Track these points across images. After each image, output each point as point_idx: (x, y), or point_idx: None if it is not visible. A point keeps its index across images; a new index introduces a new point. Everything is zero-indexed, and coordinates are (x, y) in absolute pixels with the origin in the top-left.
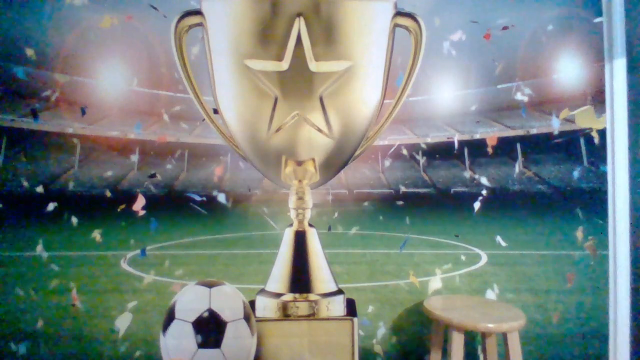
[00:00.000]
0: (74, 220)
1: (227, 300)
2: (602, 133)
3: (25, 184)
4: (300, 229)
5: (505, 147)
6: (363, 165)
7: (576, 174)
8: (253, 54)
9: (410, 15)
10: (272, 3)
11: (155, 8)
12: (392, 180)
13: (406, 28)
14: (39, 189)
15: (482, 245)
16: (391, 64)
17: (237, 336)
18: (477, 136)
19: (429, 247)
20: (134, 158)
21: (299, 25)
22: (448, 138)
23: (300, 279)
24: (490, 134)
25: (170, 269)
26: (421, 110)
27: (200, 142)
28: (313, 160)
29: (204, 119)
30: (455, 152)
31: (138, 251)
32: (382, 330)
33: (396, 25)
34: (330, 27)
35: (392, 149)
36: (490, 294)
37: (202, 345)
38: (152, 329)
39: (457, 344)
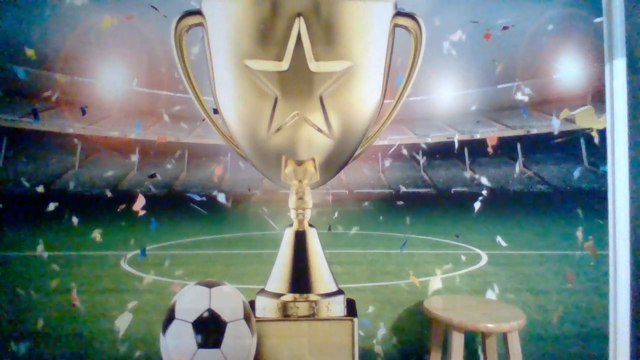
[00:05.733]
0: (74, 220)
1: (227, 300)
2: (602, 133)
3: (26, 184)
4: (300, 229)
5: (506, 147)
6: (363, 165)
7: (576, 174)
8: (253, 54)
9: (410, 16)
10: (272, 3)
11: (155, 8)
12: (392, 180)
13: (406, 28)
14: (39, 189)
15: (482, 245)
16: (391, 64)
17: (237, 336)
18: (477, 136)
19: (429, 247)
20: (134, 158)
21: (299, 25)
22: (448, 138)
23: (300, 279)
24: (491, 134)
25: (170, 269)
26: (421, 110)
27: (200, 142)
28: (313, 160)
29: (204, 119)
30: (455, 152)
31: (138, 251)
32: (382, 331)
33: (396, 26)
34: (330, 27)
35: (392, 149)
36: (491, 294)
37: (202, 345)
38: (152, 329)
39: (457, 344)
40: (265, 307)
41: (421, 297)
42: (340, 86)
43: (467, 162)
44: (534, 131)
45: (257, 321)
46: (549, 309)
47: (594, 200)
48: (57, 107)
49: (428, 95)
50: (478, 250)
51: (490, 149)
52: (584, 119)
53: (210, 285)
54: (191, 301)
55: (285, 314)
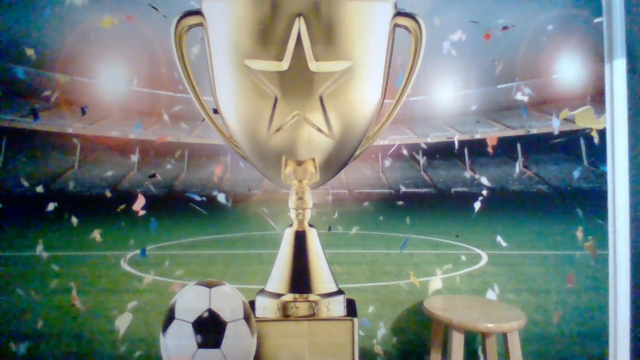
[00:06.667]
0: (74, 220)
1: (227, 300)
2: (602, 133)
3: (25, 184)
4: (300, 229)
5: (506, 147)
6: (363, 165)
7: (576, 174)
8: (253, 54)
9: (410, 15)
10: (272, 3)
11: (155, 8)
12: (392, 180)
13: (406, 28)
14: (39, 189)
15: (483, 245)
16: (391, 64)
17: (237, 336)
18: (477, 136)
19: (429, 247)
20: (134, 158)
21: (299, 25)
22: (448, 138)
23: (300, 279)
24: (490, 134)
25: (170, 269)
26: (421, 110)
27: (200, 142)
28: (313, 160)
29: (204, 119)
30: (455, 152)
31: (138, 251)
32: (382, 331)
33: (396, 26)
34: (330, 27)
35: (392, 149)
36: (491, 294)
37: (202, 345)
38: (152, 329)
39: (457, 344)
40: (265, 307)
41: (421, 297)
42: (340, 86)
43: (467, 162)
44: (534, 131)
45: (257, 321)
46: (549, 309)
47: (594, 200)
48: (57, 107)
49: (428, 95)
50: (478, 250)
51: (490, 149)
52: (584, 119)
53: (210, 285)
54: (191, 301)
55: (285, 314)
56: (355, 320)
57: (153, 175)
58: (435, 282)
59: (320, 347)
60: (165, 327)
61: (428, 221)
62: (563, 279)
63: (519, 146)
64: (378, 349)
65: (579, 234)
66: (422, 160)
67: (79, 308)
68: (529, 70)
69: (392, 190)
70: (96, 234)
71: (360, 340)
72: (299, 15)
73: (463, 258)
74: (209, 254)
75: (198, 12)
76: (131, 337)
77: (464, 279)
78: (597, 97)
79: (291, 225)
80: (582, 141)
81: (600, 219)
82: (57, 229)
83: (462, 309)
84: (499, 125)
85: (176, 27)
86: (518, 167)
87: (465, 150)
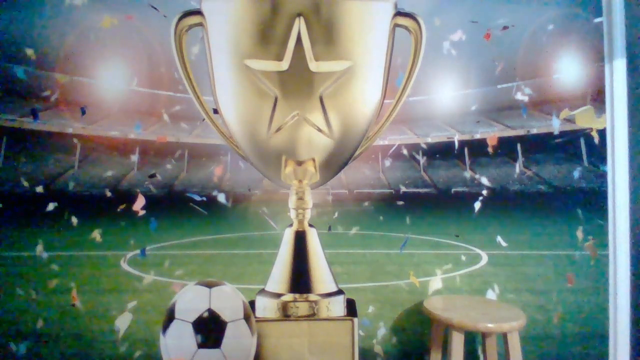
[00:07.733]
0: (74, 220)
1: (227, 300)
2: (602, 133)
3: (25, 184)
4: (300, 229)
5: (506, 147)
6: (363, 165)
7: (576, 174)
8: (253, 54)
9: (410, 15)
10: (272, 3)
11: (155, 8)
12: (392, 180)
13: (406, 28)
14: (39, 189)
15: (483, 245)
16: (391, 64)
17: (237, 336)
18: (477, 136)
19: (429, 247)
20: (134, 158)
21: (299, 25)
22: (448, 138)
23: (300, 279)
24: (491, 134)
25: (170, 269)
26: (421, 110)
27: (200, 142)
28: (313, 160)
29: (204, 119)
30: (455, 152)
31: (138, 251)
32: (382, 331)
33: (396, 25)
34: (330, 27)
35: (392, 149)
36: (491, 294)
37: (202, 345)
38: (152, 329)
39: (457, 344)
40: (265, 307)
41: (421, 297)
42: (340, 86)
43: (467, 162)
44: (534, 131)
45: (257, 321)
46: (549, 309)
47: (594, 200)
48: (57, 107)
49: (428, 95)
50: (478, 250)
51: (490, 149)
52: (584, 119)
53: (210, 285)
54: (191, 301)
55: (285, 314)
56: (355, 320)
57: (153, 175)
58: (435, 282)
59: (320, 347)
60: (165, 327)
61: (428, 221)
62: (563, 279)
63: (519, 146)
64: (378, 349)
65: (579, 234)
66: (422, 160)
67: (79, 308)
68: (529, 70)
69: (392, 190)
70: (96, 234)
71: (360, 340)
72: (299, 15)
73: (463, 258)
74: (209, 254)
75: (198, 12)
76: (131, 337)
77: (464, 279)
78: (597, 97)
79: (291, 225)
80: (582, 141)
81: (600, 219)
82: (57, 229)
83: (462, 309)
84: (499, 125)
85: (176, 27)
86: (518, 167)
87: (465, 150)
